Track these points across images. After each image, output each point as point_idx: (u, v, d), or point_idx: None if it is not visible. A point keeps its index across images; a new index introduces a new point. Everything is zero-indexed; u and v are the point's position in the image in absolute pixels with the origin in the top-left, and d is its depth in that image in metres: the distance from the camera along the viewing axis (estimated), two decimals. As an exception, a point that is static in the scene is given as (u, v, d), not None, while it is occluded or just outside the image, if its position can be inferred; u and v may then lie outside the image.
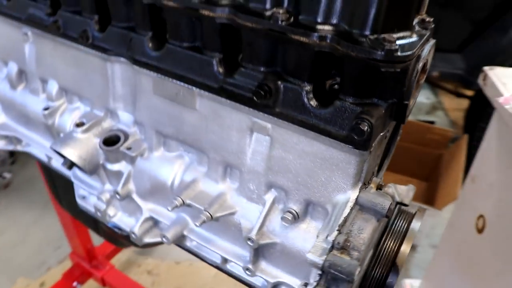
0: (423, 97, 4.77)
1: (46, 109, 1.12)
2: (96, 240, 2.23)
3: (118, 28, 0.91)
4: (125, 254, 2.59)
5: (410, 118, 3.18)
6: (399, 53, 0.60)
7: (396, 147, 3.06)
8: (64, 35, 1.00)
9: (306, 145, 0.72)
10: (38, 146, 1.25)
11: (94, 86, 1.01)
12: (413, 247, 2.77)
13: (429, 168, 3.01)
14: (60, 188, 1.49)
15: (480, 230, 1.48)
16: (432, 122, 3.53)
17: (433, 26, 0.71)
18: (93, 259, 2.16)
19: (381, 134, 0.71)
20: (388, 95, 0.67)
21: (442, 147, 2.89)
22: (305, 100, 0.70)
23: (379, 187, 0.81)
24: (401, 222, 0.84)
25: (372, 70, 0.63)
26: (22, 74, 1.21)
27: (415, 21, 0.71)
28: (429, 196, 2.86)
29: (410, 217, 0.85)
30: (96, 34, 0.94)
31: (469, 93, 3.45)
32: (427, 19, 0.71)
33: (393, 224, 0.84)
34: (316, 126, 0.69)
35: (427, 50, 0.70)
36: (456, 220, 1.78)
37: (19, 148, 1.33)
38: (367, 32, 0.62)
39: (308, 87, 0.70)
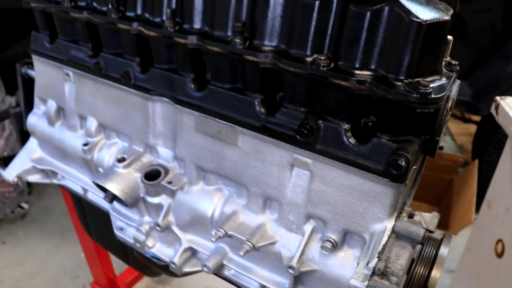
0: (429, 122, 4.82)
1: (85, 144, 1.18)
2: (117, 269, 2.27)
3: (160, 70, 0.98)
4: (143, 283, 2.61)
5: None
6: (432, 96, 0.67)
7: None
8: (106, 76, 1.07)
9: (345, 178, 0.78)
10: (75, 179, 1.31)
11: (134, 123, 1.07)
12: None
13: (440, 193, 3.05)
14: (92, 220, 1.54)
15: (499, 255, 1.52)
16: (440, 148, 3.57)
17: (458, 68, 0.78)
18: (114, 288, 2.20)
19: (414, 167, 0.77)
20: (421, 132, 0.73)
21: (452, 173, 2.93)
22: (344, 138, 0.76)
23: (410, 216, 0.86)
24: (430, 248, 0.89)
25: (407, 111, 0.69)
26: (60, 111, 1.28)
27: (442, 64, 0.78)
28: (442, 221, 2.89)
29: (438, 243, 0.90)
30: (138, 75, 1.02)
31: (476, 118, 3.52)
32: (453, 62, 0.77)
33: (422, 250, 0.88)
34: (355, 161, 0.75)
35: (455, 90, 0.77)
36: (474, 245, 1.82)
37: (54, 181, 1.39)
38: (402, 77, 0.69)
39: (346, 126, 0.76)
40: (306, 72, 0.74)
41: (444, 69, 0.77)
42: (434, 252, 0.89)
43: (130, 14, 0.99)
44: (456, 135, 4.70)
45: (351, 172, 0.77)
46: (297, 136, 0.78)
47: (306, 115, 0.78)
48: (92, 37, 1.09)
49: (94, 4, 1.06)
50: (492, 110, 1.59)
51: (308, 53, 0.75)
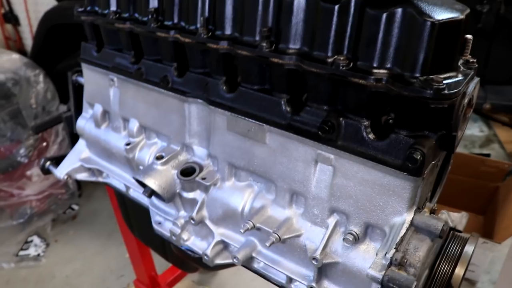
0: (476, 129, 4.69)
1: (127, 144, 1.27)
2: (159, 269, 2.37)
3: (195, 74, 1.05)
4: (184, 284, 2.70)
5: (464, 151, 3.16)
6: (446, 91, 0.70)
7: (450, 181, 3.04)
8: (147, 80, 1.16)
9: (365, 173, 0.82)
10: (118, 177, 1.41)
11: (172, 124, 1.15)
12: (473, 283, 2.71)
13: (485, 202, 2.97)
14: (133, 216, 1.64)
15: (538, 261, 1.48)
16: (487, 155, 3.48)
17: (476, 66, 0.80)
18: (156, 286, 2.29)
19: (433, 162, 0.79)
20: (437, 127, 0.76)
21: (497, 180, 2.85)
22: (364, 134, 0.80)
23: (432, 212, 0.88)
24: (455, 246, 0.90)
25: (422, 107, 0.72)
26: (105, 114, 1.38)
27: (460, 62, 0.80)
28: (487, 230, 2.81)
29: (464, 242, 0.91)
30: (175, 79, 1.10)
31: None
32: (471, 60, 0.80)
33: (447, 248, 0.90)
34: (374, 156, 0.79)
35: (472, 87, 0.79)
36: (515, 252, 1.77)
37: (100, 179, 1.50)
38: (418, 74, 0.72)
39: (366, 123, 0.80)
40: (327, 72, 0.79)
41: (461, 67, 0.79)
42: (459, 250, 0.90)
43: (167, 23, 1.07)
44: (505, 143, 4.53)
45: (371, 167, 0.81)
46: (320, 132, 0.82)
47: (328, 113, 0.83)
48: (134, 45, 1.19)
49: (136, 15, 1.15)
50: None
51: (329, 54, 0.80)
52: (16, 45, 4.05)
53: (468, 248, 0.90)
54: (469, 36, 0.81)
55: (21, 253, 3.12)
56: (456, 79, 0.75)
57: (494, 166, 2.82)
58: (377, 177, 0.81)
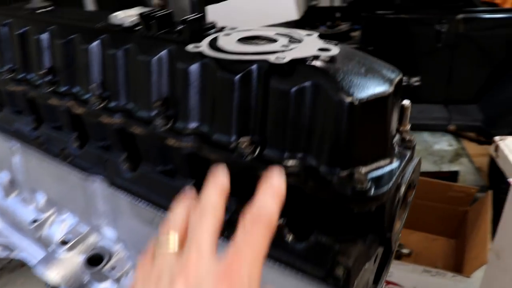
0: (445, 144, 4.63)
1: (34, 221, 1.09)
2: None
3: (95, 147, 0.88)
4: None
5: (433, 168, 3.05)
6: (372, 193, 0.55)
7: (419, 206, 2.91)
8: (47, 151, 0.99)
9: (284, 282, 0.66)
10: (30, 255, 1.22)
11: (77, 202, 0.98)
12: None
13: (455, 226, 2.86)
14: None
15: (510, 317, 1.35)
16: (456, 172, 3.38)
17: (415, 144, 0.65)
18: None
19: (366, 265, 0.64)
20: (367, 230, 0.60)
21: (465, 204, 2.74)
22: (280, 233, 0.64)
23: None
24: None
25: (343, 210, 0.57)
26: (14, 182, 1.20)
27: (396, 137, 0.66)
28: (458, 257, 2.70)
29: None
30: (75, 151, 0.93)
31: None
32: (408, 137, 0.65)
33: None
34: (291, 262, 0.63)
35: (411, 170, 0.64)
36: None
37: (12, 255, 1.30)
38: (336, 168, 0.57)
39: (282, 221, 0.64)
40: (228, 161, 0.63)
41: (396, 147, 0.65)
42: None
43: (62, 88, 0.90)
44: (473, 157, 4.48)
45: (289, 275, 0.65)
46: (225, 232, 0.66)
47: (238, 207, 0.67)
48: (33, 109, 1.01)
49: (30, 75, 0.98)
50: (492, 151, 1.44)
51: (232, 137, 0.65)
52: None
53: None
54: (406, 103, 0.67)
55: (-35, 309, 2.86)
56: (389, 167, 0.60)
57: (461, 191, 2.71)
58: (298, 287, 0.65)
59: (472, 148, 4.59)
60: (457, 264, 2.53)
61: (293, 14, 2.97)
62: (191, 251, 0.45)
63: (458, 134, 3.68)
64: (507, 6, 2.78)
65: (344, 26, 3.78)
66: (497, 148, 1.38)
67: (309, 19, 3.72)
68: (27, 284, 3.03)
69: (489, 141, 3.44)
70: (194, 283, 0.43)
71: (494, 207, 2.62)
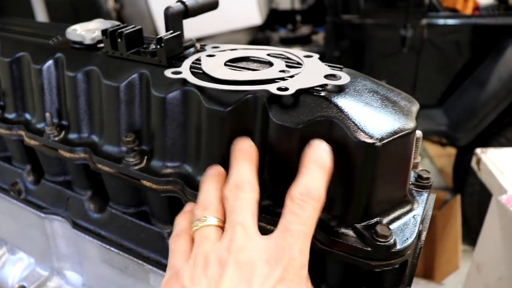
0: (406, 145, 4.68)
1: (-19, 263, 0.95)
2: None
3: (52, 183, 0.76)
4: None
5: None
6: (397, 247, 0.46)
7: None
8: (-5, 186, 0.85)
9: None
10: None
11: (34, 243, 0.85)
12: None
13: (423, 231, 2.87)
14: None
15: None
16: (419, 175, 3.40)
17: (431, 182, 0.57)
18: None
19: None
20: (384, 285, 0.52)
21: (434, 209, 2.75)
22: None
23: None
24: None
25: (362, 268, 0.48)
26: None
27: (412, 176, 0.57)
28: (428, 261, 2.69)
29: None
30: (29, 186, 0.80)
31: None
32: (425, 175, 0.57)
33: None
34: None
35: (430, 214, 0.57)
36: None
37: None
38: (353, 220, 0.48)
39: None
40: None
41: (413, 186, 0.56)
42: None
43: (10, 115, 0.76)
44: (434, 158, 4.55)
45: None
46: None
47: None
48: (-23, 136, 0.87)
49: (-29, 98, 0.84)
50: (473, 164, 1.40)
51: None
52: None
53: None
54: (418, 134, 0.59)
55: None
56: (409, 215, 0.51)
57: (430, 196, 2.71)
58: None
59: (433, 149, 4.66)
60: (427, 269, 2.52)
61: (256, 18, 2.88)
62: (236, 231, 0.43)
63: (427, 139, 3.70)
64: (467, 12, 2.81)
65: (305, 29, 3.74)
66: (479, 161, 1.34)
67: (269, 22, 3.65)
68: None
69: (453, 144, 3.47)
70: (246, 264, 0.41)
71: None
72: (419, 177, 0.56)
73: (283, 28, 3.82)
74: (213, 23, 2.76)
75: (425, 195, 0.55)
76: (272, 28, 3.77)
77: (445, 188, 3.68)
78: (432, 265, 2.47)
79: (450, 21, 2.75)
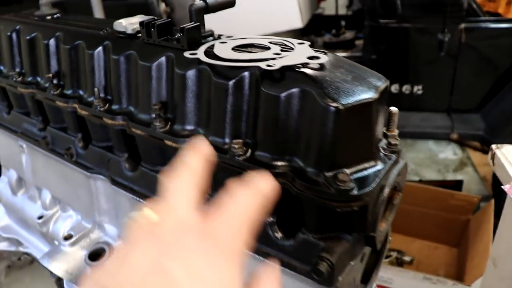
0: (450, 152, 4.63)
1: (40, 217, 1.13)
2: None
3: (98, 148, 0.93)
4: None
5: (437, 177, 3.05)
6: (355, 192, 0.58)
7: (422, 214, 2.91)
8: (52, 151, 1.03)
9: (274, 277, 0.69)
10: (36, 249, 1.26)
11: (81, 200, 1.02)
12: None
13: (457, 235, 2.86)
14: None
15: (503, 324, 1.36)
16: (460, 182, 3.38)
17: (400, 148, 0.69)
18: None
19: (352, 263, 0.67)
20: (351, 229, 0.64)
21: (468, 213, 2.75)
22: (270, 231, 0.68)
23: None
24: None
25: (327, 209, 0.60)
26: (21, 181, 1.24)
27: (383, 142, 0.69)
28: (461, 265, 2.70)
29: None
30: (80, 151, 0.97)
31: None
32: (393, 141, 0.68)
33: None
34: (280, 259, 0.66)
35: (395, 174, 0.67)
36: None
37: (20, 249, 1.35)
38: (323, 169, 0.60)
39: (272, 219, 0.68)
40: (221, 162, 0.67)
41: (382, 151, 0.68)
42: None
43: (67, 91, 0.94)
44: (478, 166, 4.47)
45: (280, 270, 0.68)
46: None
47: (231, 205, 0.71)
48: (41, 111, 1.06)
49: (38, 79, 1.02)
50: (489, 159, 1.46)
51: (226, 139, 0.68)
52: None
53: None
54: (394, 110, 0.70)
55: (-29, 306, 2.91)
56: (373, 169, 0.63)
57: (463, 200, 2.72)
58: (286, 283, 0.68)
59: (477, 157, 4.58)
60: (459, 273, 2.54)
61: (297, 22, 3.01)
62: (160, 205, 0.41)
63: (461, 143, 3.68)
64: (510, 16, 2.80)
65: (349, 34, 3.83)
66: (493, 156, 1.40)
67: (314, 27, 3.77)
68: (34, 283, 3.08)
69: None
70: (164, 239, 0.37)
71: (496, 216, 2.63)
72: (388, 144, 0.68)
73: (328, 33, 3.93)
74: (256, 26, 2.91)
75: (393, 157, 0.66)
76: (317, 33, 3.88)
77: (486, 196, 3.63)
78: (464, 269, 2.49)
79: (492, 25, 2.74)
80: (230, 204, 0.42)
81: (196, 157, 0.46)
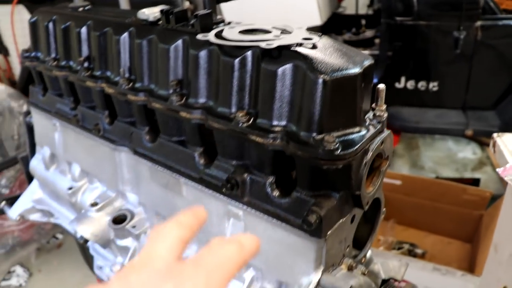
0: (469, 152, 4.63)
1: (70, 188, 1.26)
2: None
3: (122, 123, 1.04)
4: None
5: (455, 175, 3.08)
6: (339, 152, 0.68)
7: (435, 209, 2.96)
8: (83, 127, 1.15)
9: (272, 231, 0.79)
10: (66, 219, 1.39)
11: (106, 171, 1.14)
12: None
13: (471, 230, 2.90)
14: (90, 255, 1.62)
15: (500, 303, 1.43)
16: (477, 180, 3.41)
17: (385, 119, 0.78)
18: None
19: (341, 220, 0.77)
20: (338, 187, 0.73)
21: (481, 208, 2.79)
22: (268, 190, 0.78)
23: (350, 268, 0.85)
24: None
25: (317, 167, 0.70)
26: (53, 157, 1.37)
27: (369, 114, 0.78)
28: (474, 259, 2.75)
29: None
30: (106, 126, 1.09)
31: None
32: (379, 113, 0.78)
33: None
34: (277, 214, 0.76)
35: (379, 141, 0.76)
36: (482, 289, 1.72)
37: (51, 220, 1.48)
38: (312, 133, 0.70)
39: (271, 179, 0.78)
40: (227, 128, 0.77)
41: (369, 121, 0.77)
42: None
43: (96, 73, 1.06)
44: (497, 166, 4.46)
45: (277, 225, 0.78)
46: (223, 189, 0.80)
47: (236, 169, 0.81)
48: (72, 92, 1.19)
49: (71, 63, 1.15)
50: (490, 147, 1.53)
51: (232, 109, 0.79)
52: (6, 75, 4.10)
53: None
54: (381, 86, 0.79)
55: (3, 283, 3.09)
56: (357, 134, 0.73)
57: (476, 195, 2.76)
58: (283, 236, 0.78)
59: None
60: (472, 268, 2.58)
61: (316, 19, 3.10)
62: (142, 253, 0.47)
63: (477, 141, 3.70)
64: (528, 14, 2.82)
65: (368, 33, 3.88)
66: (494, 144, 1.47)
67: (335, 25, 3.84)
68: (61, 264, 3.25)
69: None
70: (131, 285, 0.44)
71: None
72: (374, 115, 0.77)
73: (349, 32, 3.99)
74: (274, 22, 3.01)
75: (378, 126, 0.75)
76: (338, 32, 3.95)
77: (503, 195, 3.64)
78: (475, 260, 2.53)
79: (508, 23, 2.77)
80: (208, 255, 0.47)
81: (188, 215, 0.53)
